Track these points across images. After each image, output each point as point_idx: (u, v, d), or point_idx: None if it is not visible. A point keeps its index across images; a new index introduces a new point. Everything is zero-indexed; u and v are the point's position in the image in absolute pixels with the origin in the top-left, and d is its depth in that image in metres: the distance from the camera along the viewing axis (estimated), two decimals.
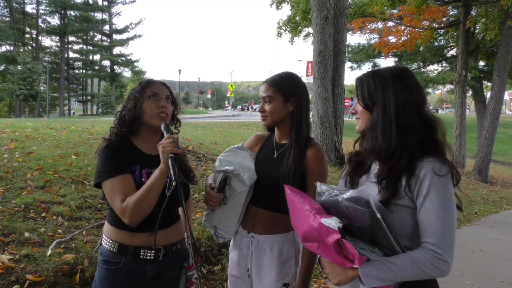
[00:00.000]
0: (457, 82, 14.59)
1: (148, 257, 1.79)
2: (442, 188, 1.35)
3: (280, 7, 15.07)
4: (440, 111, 64.42)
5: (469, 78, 17.75)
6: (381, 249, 1.33)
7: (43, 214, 3.83)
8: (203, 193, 4.70)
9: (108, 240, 1.80)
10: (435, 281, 1.46)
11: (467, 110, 16.10)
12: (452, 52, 21.42)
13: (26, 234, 3.41)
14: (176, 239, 1.90)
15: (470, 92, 21.59)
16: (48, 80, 41.70)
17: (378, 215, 1.27)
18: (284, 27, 15.35)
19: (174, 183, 1.59)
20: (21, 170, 4.76)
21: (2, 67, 43.89)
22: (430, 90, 26.63)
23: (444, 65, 24.53)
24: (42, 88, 43.37)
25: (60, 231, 3.62)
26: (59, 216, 3.86)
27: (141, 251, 1.78)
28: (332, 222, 1.30)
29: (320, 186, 1.49)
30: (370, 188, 1.49)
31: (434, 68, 25.42)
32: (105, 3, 55.13)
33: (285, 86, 1.99)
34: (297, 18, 14.02)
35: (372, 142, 1.48)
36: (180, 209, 1.99)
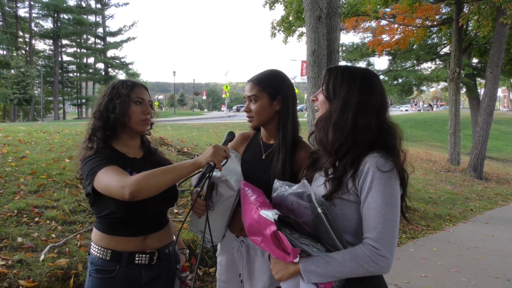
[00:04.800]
0: (451, 79, 14.65)
1: (143, 262, 1.75)
2: (384, 184, 1.34)
3: (273, 8, 15.01)
4: (434, 108, 64.64)
5: (463, 75, 17.82)
6: (324, 245, 1.33)
7: (36, 219, 3.80)
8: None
9: (99, 247, 1.74)
10: (380, 279, 1.44)
11: (461, 107, 16.15)
12: (446, 49, 21.50)
13: (19, 239, 3.39)
14: (168, 241, 1.88)
15: (464, 89, 21.66)
16: (42, 84, 41.43)
17: (319, 209, 1.28)
18: (277, 27, 15.31)
19: (192, 188, 1.54)
20: (14, 174, 4.73)
21: None
22: (424, 88, 26.69)
23: (437, 62, 24.62)
24: (36, 92, 43.06)
25: (53, 235, 3.59)
26: (53, 221, 3.83)
27: (136, 256, 1.74)
28: (269, 214, 1.31)
29: (276, 183, 1.50)
30: (319, 182, 1.51)
31: (428, 66, 25.54)
32: (98, 5, 54.83)
33: (270, 84, 1.93)
34: (290, 18, 13.98)
35: (322, 133, 1.50)
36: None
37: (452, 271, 4.85)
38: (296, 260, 1.32)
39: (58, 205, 4.15)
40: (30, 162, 5.24)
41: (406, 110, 59.56)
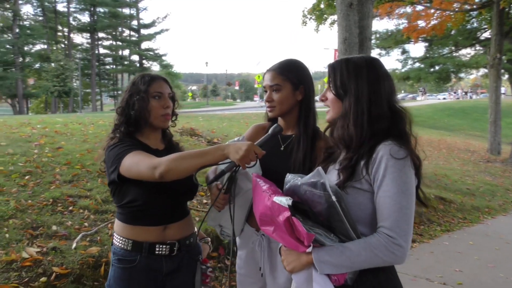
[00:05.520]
0: (491, 65, 14.06)
1: (163, 252, 1.77)
2: (398, 171, 1.31)
3: None
4: (474, 96, 62.21)
5: (504, 61, 17.03)
6: (337, 235, 1.30)
7: (70, 208, 3.93)
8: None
9: (121, 238, 1.77)
10: (393, 273, 1.41)
11: (503, 95, 15.45)
12: (486, 34, 20.57)
13: (54, 228, 3.51)
14: (189, 232, 1.88)
15: (506, 76, 20.70)
16: (80, 76, 42.76)
17: (333, 198, 1.25)
18: (309, 16, 15.06)
19: (204, 184, 1.51)
20: (50, 165, 4.90)
21: (37, 65, 45.33)
22: (463, 74, 25.71)
23: (477, 48, 23.61)
24: (75, 84, 44.48)
25: (86, 224, 3.70)
26: (85, 210, 3.95)
27: (156, 246, 1.76)
28: (283, 200, 1.28)
29: (288, 176, 1.46)
30: (332, 174, 1.48)
31: (467, 52, 24.52)
32: None
33: (293, 74, 1.90)
34: (321, 6, 13.74)
35: (342, 130, 1.46)
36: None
37: (489, 266, 4.67)
38: (309, 249, 1.29)
39: (91, 194, 4.27)
40: (65, 153, 5.42)
41: (444, 99, 57.56)
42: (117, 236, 1.80)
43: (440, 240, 5.60)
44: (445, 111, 31.22)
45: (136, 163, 1.60)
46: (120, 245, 1.77)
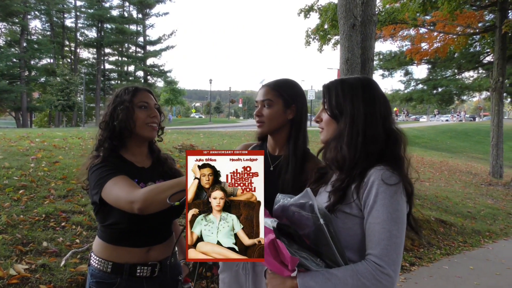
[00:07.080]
0: (494, 89, 14.07)
1: (145, 274, 1.71)
2: (389, 198, 1.27)
3: (308, 16, 14.91)
4: (477, 119, 62.15)
5: (507, 84, 17.06)
6: (324, 260, 1.25)
7: (62, 224, 3.88)
8: None
9: (100, 259, 1.70)
10: None
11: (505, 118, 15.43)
12: (489, 58, 20.69)
13: (44, 244, 3.45)
14: (170, 253, 1.83)
15: (509, 100, 20.74)
16: (84, 91, 43.04)
17: (321, 220, 1.21)
18: (312, 36, 15.21)
19: (177, 203, 1.44)
20: (46, 179, 4.87)
21: (42, 79, 45.72)
22: (465, 97, 25.77)
23: (480, 71, 23.74)
24: (79, 98, 44.81)
25: (78, 241, 3.64)
26: (78, 226, 3.89)
27: (138, 268, 1.70)
28: (268, 221, 1.24)
29: (278, 196, 1.43)
30: (322, 196, 1.44)
31: (469, 75, 24.68)
32: (140, 15, 56.67)
33: (286, 92, 1.88)
34: (325, 26, 13.87)
35: (335, 152, 1.43)
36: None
37: None
38: (294, 274, 1.25)
39: (85, 210, 4.22)
40: (62, 167, 5.39)
41: (447, 120, 57.48)
42: (95, 257, 1.73)
43: (439, 264, 5.49)
44: (447, 133, 31.18)
45: (115, 196, 1.54)
46: (98, 267, 1.70)
